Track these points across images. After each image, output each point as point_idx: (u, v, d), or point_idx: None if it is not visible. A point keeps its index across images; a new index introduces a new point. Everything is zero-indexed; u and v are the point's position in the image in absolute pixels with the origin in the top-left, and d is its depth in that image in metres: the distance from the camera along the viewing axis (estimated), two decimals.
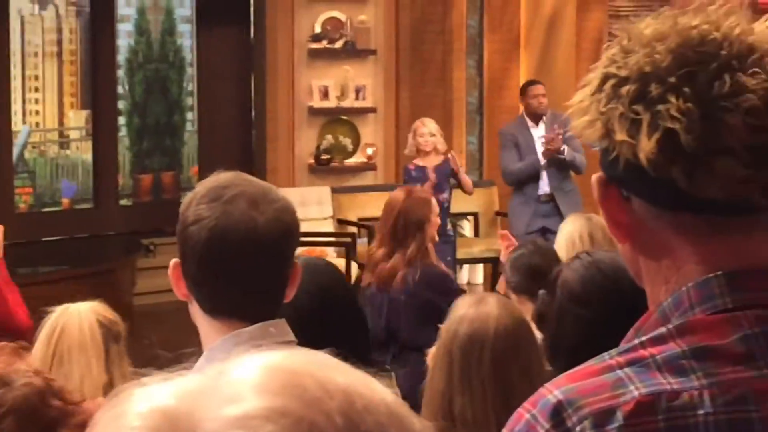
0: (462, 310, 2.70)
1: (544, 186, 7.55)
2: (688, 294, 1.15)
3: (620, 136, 1.15)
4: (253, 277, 1.83)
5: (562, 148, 7.35)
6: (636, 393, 1.10)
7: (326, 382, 0.66)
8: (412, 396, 2.61)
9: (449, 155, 7.40)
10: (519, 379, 2.60)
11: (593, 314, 2.41)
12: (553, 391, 1.12)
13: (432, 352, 2.76)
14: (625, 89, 1.16)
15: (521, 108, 8.00)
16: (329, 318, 2.49)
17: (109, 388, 3.07)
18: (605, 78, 1.18)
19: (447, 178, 7.21)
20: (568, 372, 1.15)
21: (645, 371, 1.11)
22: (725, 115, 1.12)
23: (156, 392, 0.67)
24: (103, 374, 3.11)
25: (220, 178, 1.87)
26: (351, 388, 0.67)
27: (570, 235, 4.02)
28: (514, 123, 7.92)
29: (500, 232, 6.81)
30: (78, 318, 3.15)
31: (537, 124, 7.65)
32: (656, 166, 1.13)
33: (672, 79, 1.14)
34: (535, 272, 3.93)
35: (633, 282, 1.24)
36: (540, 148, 7.50)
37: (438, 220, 5.17)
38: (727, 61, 1.14)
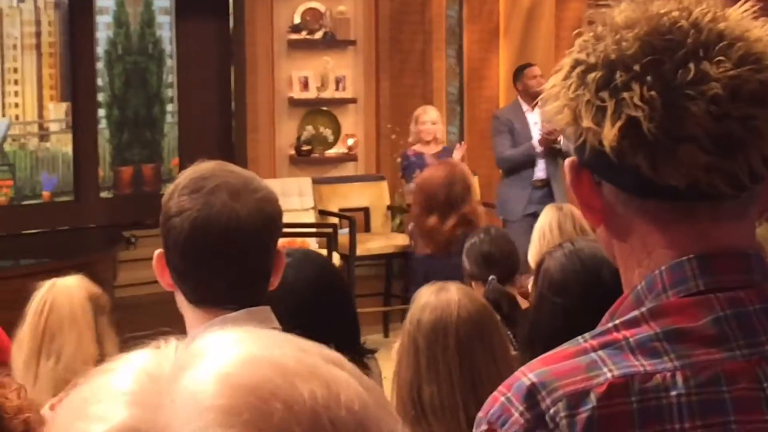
0: (423, 298, 2.71)
1: (540, 171, 7.54)
2: (661, 277, 1.16)
3: (586, 122, 1.16)
4: (236, 268, 1.84)
5: (558, 139, 7.37)
6: (609, 375, 1.11)
7: (291, 401, 0.65)
8: None
9: (459, 144, 7.66)
10: (484, 362, 2.61)
11: (571, 303, 2.43)
12: (527, 374, 1.13)
13: (397, 344, 2.78)
14: (592, 76, 1.16)
15: (498, 98, 8.01)
16: (322, 305, 2.51)
17: (100, 359, 3.10)
18: (575, 64, 1.19)
19: None
20: (542, 356, 1.16)
21: (618, 353, 1.12)
22: (688, 103, 1.12)
23: (111, 411, 0.65)
24: (94, 346, 3.14)
25: (202, 168, 1.87)
26: (317, 402, 0.65)
27: (541, 227, 4.11)
28: (509, 107, 7.90)
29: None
30: (67, 292, 3.19)
31: (533, 108, 7.64)
32: (619, 154, 1.14)
33: (637, 67, 1.14)
34: (487, 259, 4.06)
35: (613, 272, 1.24)
36: (536, 134, 7.49)
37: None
38: (694, 49, 1.14)
